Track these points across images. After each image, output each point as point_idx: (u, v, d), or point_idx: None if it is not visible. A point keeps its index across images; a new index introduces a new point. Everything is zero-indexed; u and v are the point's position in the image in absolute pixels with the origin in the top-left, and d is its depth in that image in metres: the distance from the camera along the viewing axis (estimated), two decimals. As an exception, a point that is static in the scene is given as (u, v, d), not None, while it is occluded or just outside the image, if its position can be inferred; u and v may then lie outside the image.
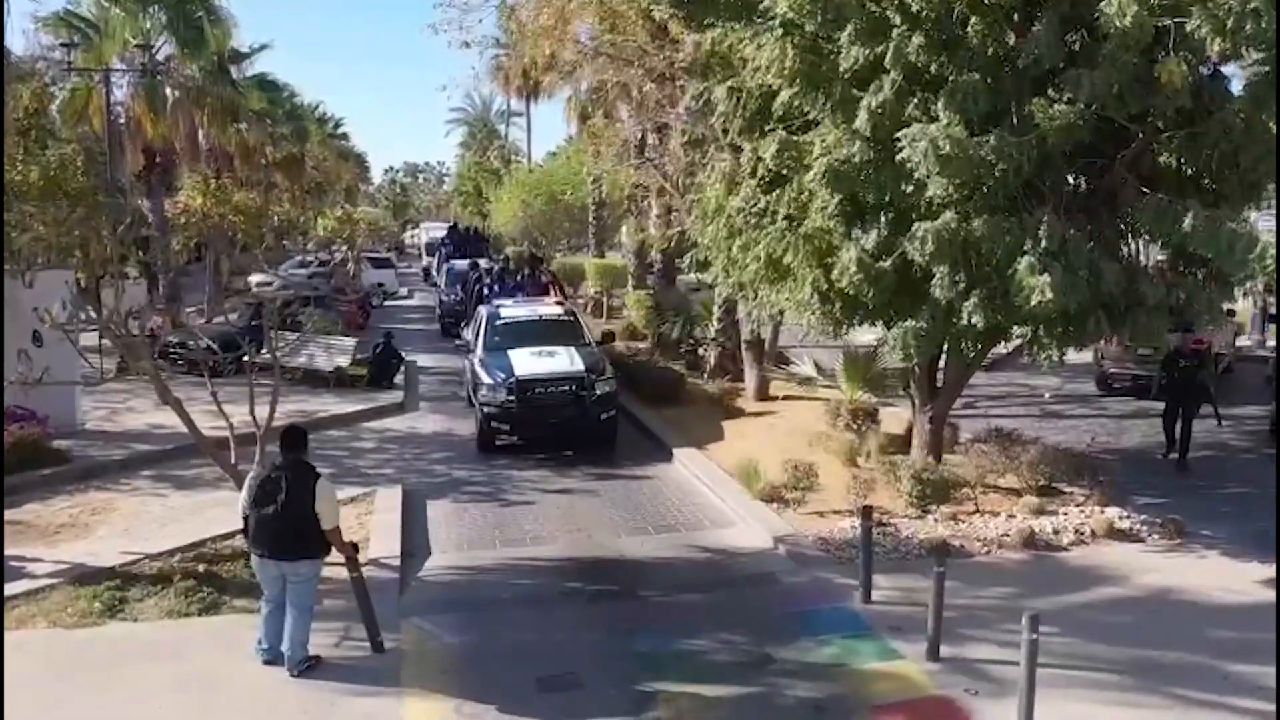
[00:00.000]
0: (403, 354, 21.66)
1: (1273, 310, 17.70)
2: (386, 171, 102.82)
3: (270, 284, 32.27)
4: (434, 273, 42.53)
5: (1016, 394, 19.02)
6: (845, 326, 11.29)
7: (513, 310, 17.90)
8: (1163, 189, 9.32)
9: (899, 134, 9.02)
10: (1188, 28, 7.97)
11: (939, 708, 7.28)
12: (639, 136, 22.46)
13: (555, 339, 16.29)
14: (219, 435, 10.92)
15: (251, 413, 10.45)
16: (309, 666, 7.68)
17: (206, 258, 27.14)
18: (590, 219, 36.66)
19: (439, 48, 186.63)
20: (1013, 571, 9.89)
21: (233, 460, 10.34)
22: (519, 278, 21.99)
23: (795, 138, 10.39)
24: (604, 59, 18.46)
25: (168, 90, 27.86)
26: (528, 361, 15.25)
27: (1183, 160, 9.40)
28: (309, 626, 7.74)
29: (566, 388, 14.95)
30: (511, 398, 14.73)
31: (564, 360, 15.39)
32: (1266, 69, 8.32)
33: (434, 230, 54.81)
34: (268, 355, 12.10)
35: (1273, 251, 8.27)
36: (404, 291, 43.78)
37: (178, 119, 27.44)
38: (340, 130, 58.69)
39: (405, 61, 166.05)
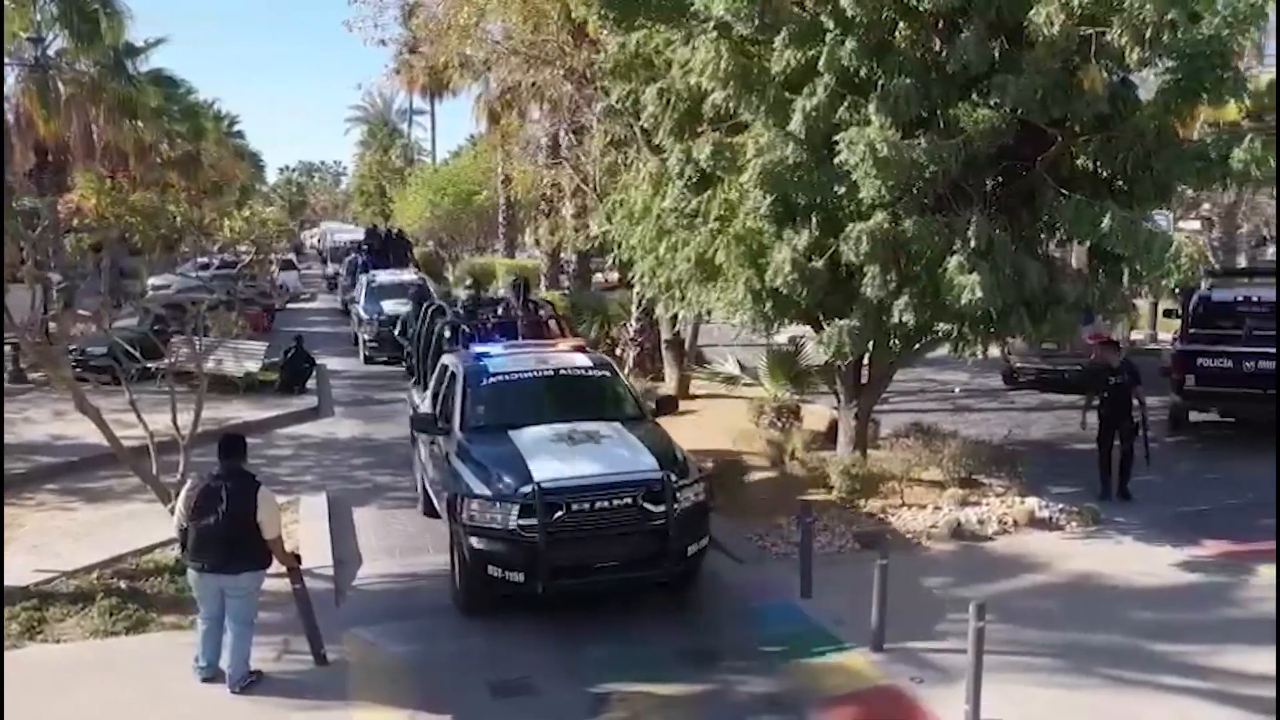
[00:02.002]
0: (314, 357, 21.21)
1: (1166, 305, 18.53)
2: (282, 170, 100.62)
3: (167, 287, 31.14)
4: (344, 283, 35.47)
5: (927, 389, 19.55)
6: (776, 325, 11.46)
7: (510, 361, 10.72)
8: (1080, 190, 9.69)
9: (837, 136, 9.22)
10: (1108, 36, 8.33)
11: (887, 697, 7.45)
12: (553, 137, 22.45)
13: (588, 410, 9.94)
14: (135, 445, 10.55)
15: (174, 421, 10.17)
16: (251, 683, 7.45)
17: (101, 260, 26.05)
18: (500, 219, 36.49)
19: (337, 45, 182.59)
20: (943, 562, 10.18)
21: (154, 471, 9.99)
22: (500, 311, 14.41)
23: (728, 139, 10.50)
24: (520, 57, 18.36)
25: (60, 85, 26.70)
26: (553, 456, 8.85)
27: (1098, 163, 9.83)
28: (250, 641, 7.52)
29: (627, 500, 8.54)
30: (530, 523, 8.29)
31: (616, 451, 9.04)
32: (1179, 77, 8.73)
33: (341, 233, 50.02)
34: (172, 361, 11.83)
35: (1188, 251, 8.71)
36: (307, 294, 42.91)
37: (71, 115, 26.33)
38: (235, 128, 57.03)
39: (301, 59, 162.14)
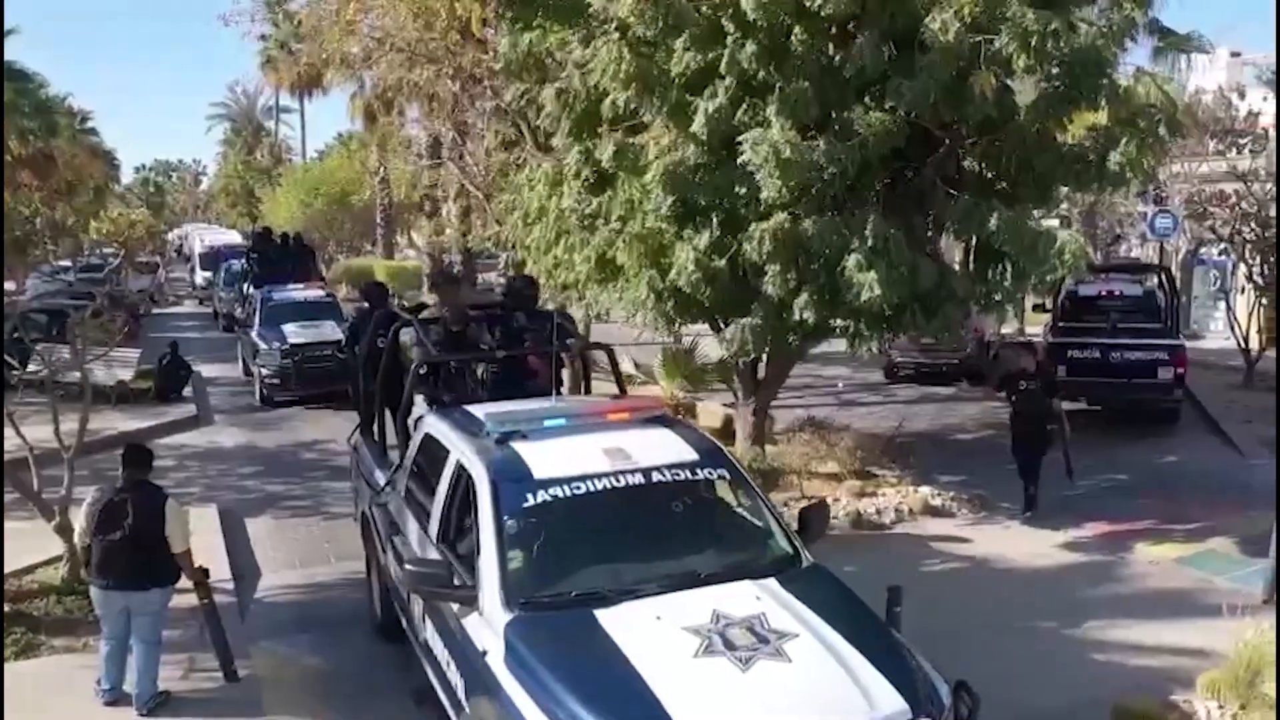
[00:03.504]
0: (190, 364, 20.38)
1: (1035, 300, 19.41)
2: (138, 170, 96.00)
3: (22, 293, 29.51)
4: (221, 295, 30.37)
5: (813, 384, 20.05)
6: (678, 324, 11.60)
7: (563, 451, 6.18)
8: (967, 191, 10.11)
9: (739, 138, 9.38)
10: (996, 44, 8.73)
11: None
12: (435, 136, 22.15)
13: (712, 551, 6.18)
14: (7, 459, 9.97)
15: (56, 433, 9.70)
16: (159, 703, 7.16)
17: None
18: (378, 219, 35.73)
19: (193, 41, 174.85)
20: (846, 551, 10.38)
21: (36, 486, 9.50)
22: (499, 336, 9.39)
23: (629, 140, 10.57)
24: (403, 55, 18.03)
25: (-103, 78, 24.92)
26: (713, 689, 4.74)
27: (984, 165, 10.29)
28: (158, 660, 7.22)
29: None
30: None
31: (824, 672, 4.97)
32: (1058, 83, 9.20)
33: (211, 235, 44.52)
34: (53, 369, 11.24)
35: (1071, 247, 9.20)
36: (174, 298, 41.21)
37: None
38: (89, 125, 54.13)
39: (156, 54, 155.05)
